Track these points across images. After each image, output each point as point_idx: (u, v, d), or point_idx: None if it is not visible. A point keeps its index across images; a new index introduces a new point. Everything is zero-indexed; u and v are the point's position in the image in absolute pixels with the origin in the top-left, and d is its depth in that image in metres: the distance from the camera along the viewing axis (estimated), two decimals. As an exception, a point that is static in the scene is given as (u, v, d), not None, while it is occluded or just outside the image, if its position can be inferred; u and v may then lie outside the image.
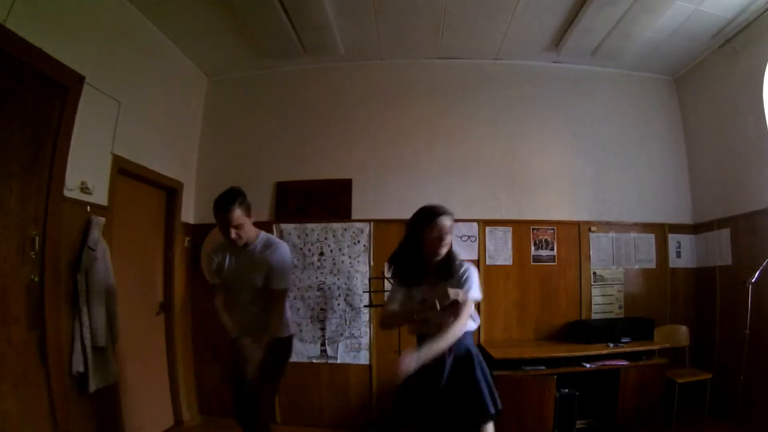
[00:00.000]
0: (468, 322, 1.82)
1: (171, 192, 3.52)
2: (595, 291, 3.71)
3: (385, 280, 3.33)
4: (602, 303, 3.71)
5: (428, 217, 1.85)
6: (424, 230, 1.84)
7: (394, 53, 3.80)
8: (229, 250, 2.23)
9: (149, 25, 3.15)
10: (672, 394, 3.14)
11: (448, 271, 1.85)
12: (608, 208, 3.79)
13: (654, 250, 3.81)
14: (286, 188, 3.76)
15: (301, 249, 3.67)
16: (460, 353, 1.83)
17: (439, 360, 1.76)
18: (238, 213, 2.04)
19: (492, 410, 1.76)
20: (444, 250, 1.86)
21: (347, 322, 3.59)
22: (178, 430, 3.37)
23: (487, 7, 3.15)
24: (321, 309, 3.61)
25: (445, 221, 1.84)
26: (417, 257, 1.88)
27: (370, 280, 3.50)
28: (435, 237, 1.83)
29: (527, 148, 3.81)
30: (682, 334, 3.60)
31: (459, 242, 3.61)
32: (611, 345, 3.23)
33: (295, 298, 3.61)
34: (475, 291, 1.82)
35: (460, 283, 1.81)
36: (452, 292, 1.74)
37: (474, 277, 1.85)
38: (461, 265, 1.87)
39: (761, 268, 2.83)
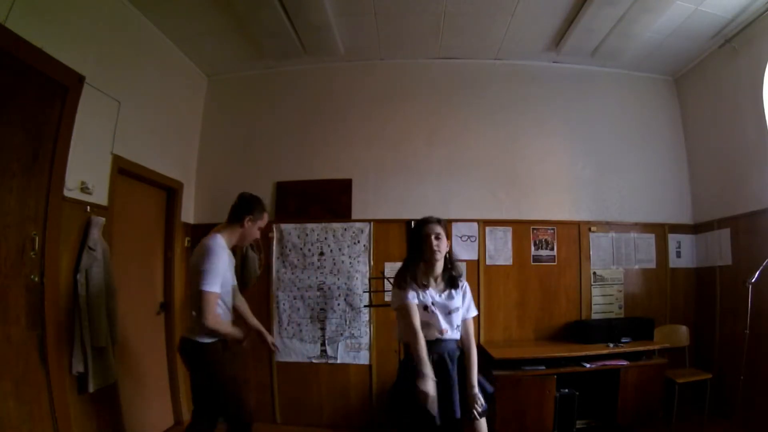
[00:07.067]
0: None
1: (171, 192, 3.52)
2: (595, 291, 3.71)
3: (385, 280, 3.33)
4: (602, 303, 3.71)
5: (419, 224, 2.02)
6: (417, 236, 2.01)
7: (394, 53, 3.79)
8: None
9: (149, 25, 3.15)
10: (672, 394, 3.14)
11: (452, 281, 2.00)
12: (608, 208, 3.79)
13: (654, 250, 3.81)
14: (286, 188, 3.76)
15: (301, 249, 3.66)
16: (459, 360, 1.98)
17: (444, 366, 1.89)
18: None
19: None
20: (438, 257, 1.95)
21: (347, 322, 3.59)
22: (178, 430, 3.36)
23: (487, 7, 3.15)
24: (321, 309, 3.61)
25: (434, 228, 1.97)
26: (418, 262, 1.99)
27: (370, 280, 3.50)
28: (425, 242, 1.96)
29: (527, 148, 3.81)
30: (682, 334, 3.60)
31: (459, 242, 3.61)
32: (611, 345, 3.23)
33: (295, 298, 3.62)
34: (473, 308, 2.06)
35: (462, 298, 2.01)
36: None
37: (470, 294, 2.07)
38: (462, 282, 2.04)
39: (761, 268, 2.83)
